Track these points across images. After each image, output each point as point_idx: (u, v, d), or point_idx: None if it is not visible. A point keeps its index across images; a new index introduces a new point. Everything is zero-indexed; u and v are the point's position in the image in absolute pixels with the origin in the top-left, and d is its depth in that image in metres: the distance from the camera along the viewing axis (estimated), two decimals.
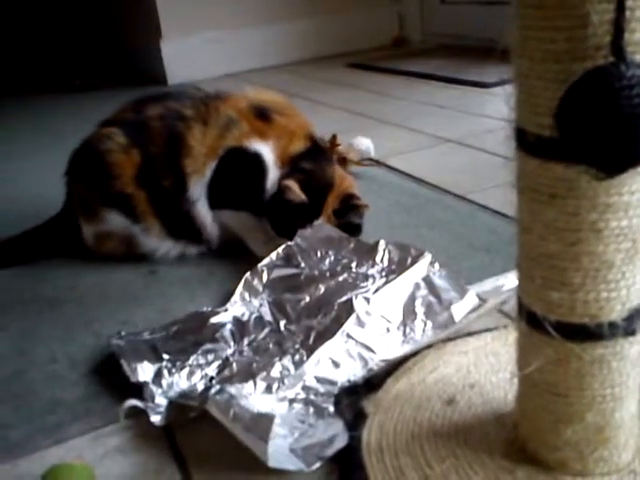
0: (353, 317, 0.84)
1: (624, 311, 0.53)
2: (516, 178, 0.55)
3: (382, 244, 1.00)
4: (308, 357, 0.78)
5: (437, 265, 0.95)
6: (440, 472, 0.60)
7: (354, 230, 1.10)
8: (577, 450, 0.57)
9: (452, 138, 1.65)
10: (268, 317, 0.89)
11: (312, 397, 0.73)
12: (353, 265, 0.97)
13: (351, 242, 1.03)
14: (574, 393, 0.55)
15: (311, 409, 0.71)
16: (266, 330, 0.87)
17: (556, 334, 0.53)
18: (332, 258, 1.00)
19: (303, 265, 0.99)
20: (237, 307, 0.92)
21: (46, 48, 3.56)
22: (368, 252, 0.99)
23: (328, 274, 0.96)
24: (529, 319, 0.56)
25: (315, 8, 3.02)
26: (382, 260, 0.98)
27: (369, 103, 2.15)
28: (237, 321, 0.89)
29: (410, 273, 0.93)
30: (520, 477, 0.58)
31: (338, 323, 0.83)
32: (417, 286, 0.91)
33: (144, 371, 0.78)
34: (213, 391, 0.72)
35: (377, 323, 0.84)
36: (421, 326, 0.84)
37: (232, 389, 0.72)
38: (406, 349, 0.80)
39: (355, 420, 0.69)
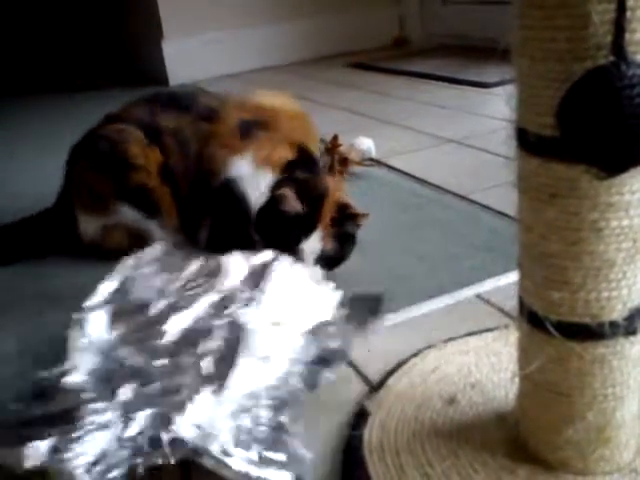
0: (246, 330, 0.78)
1: (625, 310, 0.53)
2: (517, 178, 0.55)
3: (225, 258, 0.92)
4: (224, 383, 0.70)
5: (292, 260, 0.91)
6: (441, 471, 0.60)
7: (348, 240, 1.06)
8: (578, 449, 0.57)
9: (453, 138, 1.65)
10: (134, 361, 0.74)
11: (253, 416, 0.67)
12: (208, 284, 0.87)
13: (193, 262, 0.93)
14: (575, 392, 0.55)
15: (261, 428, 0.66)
16: (139, 377, 0.72)
17: (557, 333, 0.54)
18: (180, 283, 0.89)
19: (148, 296, 0.86)
20: (84, 360, 0.75)
21: (48, 48, 3.56)
22: (216, 269, 0.90)
23: (185, 299, 0.84)
24: (530, 318, 0.56)
25: (316, 8, 3.02)
26: (237, 272, 0.90)
27: (370, 103, 2.15)
28: (98, 376, 0.72)
29: (275, 275, 0.88)
30: (521, 476, 0.58)
31: (233, 339, 0.76)
32: (290, 284, 0.87)
33: (37, 450, 0.62)
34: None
35: (269, 328, 0.80)
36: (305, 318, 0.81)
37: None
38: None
39: (357, 419, 0.69)
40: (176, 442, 0.64)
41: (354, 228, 1.06)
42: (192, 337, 0.78)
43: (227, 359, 0.74)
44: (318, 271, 0.93)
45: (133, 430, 0.65)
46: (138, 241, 1.15)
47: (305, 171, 1.08)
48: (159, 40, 2.83)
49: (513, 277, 0.86)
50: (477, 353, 0.77)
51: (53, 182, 1.23)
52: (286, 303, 0.84)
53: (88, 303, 0.84)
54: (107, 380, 0.72)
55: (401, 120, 1.88)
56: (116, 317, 0.82)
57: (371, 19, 3.11)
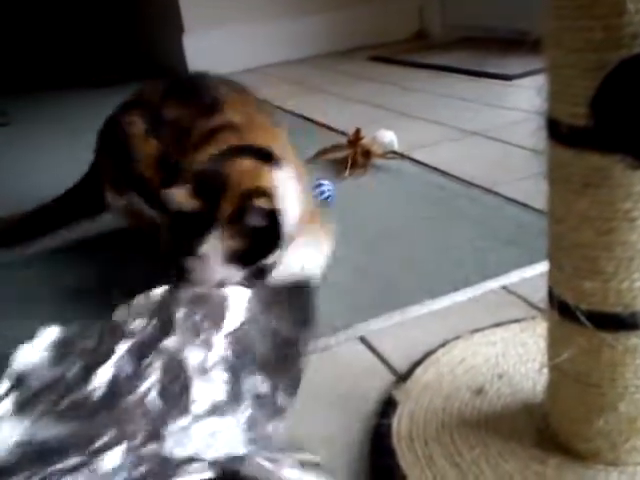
0: (181, 352, 0.75)
1: None
2: (547, 169, 0.55)
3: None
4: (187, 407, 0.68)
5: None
6: (470, 460, 0.60)
7: (261, 234, 0.89)
8: (609, 440, 0.57)
9: (476, 130, 1.64)
10: (62, 432, 0.67)
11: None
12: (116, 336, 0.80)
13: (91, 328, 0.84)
14: (606, 383, 0.55)
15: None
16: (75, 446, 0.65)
17: (588, 323, 0.53)
18: (86, 346, 0.81)
19: (52, 374, 0.76)
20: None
21: (68, 43, 3.59)
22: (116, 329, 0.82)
23: (98, 355, 0.77)
24: (561, 309, 0.56)
25: (337, 2, 3.01)
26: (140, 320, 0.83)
27: (392, 96, 2.15)
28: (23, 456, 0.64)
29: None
30: (551, 466, 0.58)
31: (173, 364, 0.74)
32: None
33: None
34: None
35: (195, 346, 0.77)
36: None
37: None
38: None
39: (385, 408, 0.69)
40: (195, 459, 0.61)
41: (256, 220, 0.88)
42: (125, 381, 0.72)
43: (176, 383, 0.71)
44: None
45: (109, 464, 0.61)
46: (151, 224, 1.16)
47: (217, 161, 0.94)
48: (180, 34, 2.85)
49: (539, 269, 0.87)
50: (504, 344, 0.77)
51: (71, 173, 1.26)
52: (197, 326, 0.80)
53: None
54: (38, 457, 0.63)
55: (423, 113, 1.87)
56: (23, 405, 0.72)
57: (392, 12, 3.10)
